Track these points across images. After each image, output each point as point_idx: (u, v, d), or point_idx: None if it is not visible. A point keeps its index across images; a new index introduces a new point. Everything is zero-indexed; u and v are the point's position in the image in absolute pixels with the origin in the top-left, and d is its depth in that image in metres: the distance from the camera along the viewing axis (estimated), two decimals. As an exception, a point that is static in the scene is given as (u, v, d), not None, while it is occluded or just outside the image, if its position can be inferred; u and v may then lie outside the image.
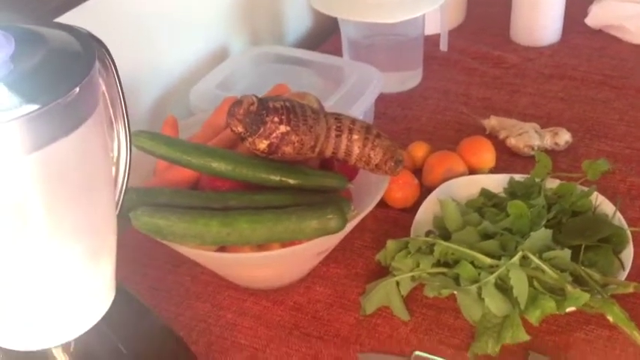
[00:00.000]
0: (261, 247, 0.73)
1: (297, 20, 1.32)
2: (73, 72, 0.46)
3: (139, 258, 0.86)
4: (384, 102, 1.08)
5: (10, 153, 0.44)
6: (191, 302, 0.81)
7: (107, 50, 0.53)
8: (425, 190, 0.91)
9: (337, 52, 1.18)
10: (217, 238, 0.69)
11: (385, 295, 0.78)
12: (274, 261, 0.74)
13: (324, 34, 1.31)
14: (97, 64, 0.49)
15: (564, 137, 0.99)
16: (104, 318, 0.57)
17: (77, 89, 0.45)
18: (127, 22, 0.96)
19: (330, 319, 0.78)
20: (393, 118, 1.08)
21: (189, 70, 1.09)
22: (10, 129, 0.43)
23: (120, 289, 0.59)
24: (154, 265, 0.86)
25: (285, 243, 0.72)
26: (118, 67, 0.54)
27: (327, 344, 0.75)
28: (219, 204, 0.72)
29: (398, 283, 0.77)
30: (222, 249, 0.74)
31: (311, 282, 0.82)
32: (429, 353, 0.73)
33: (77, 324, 0.56)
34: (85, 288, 0.54)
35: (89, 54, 0.48)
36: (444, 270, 0.77)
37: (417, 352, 0.74)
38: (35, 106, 0.43)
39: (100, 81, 0.51)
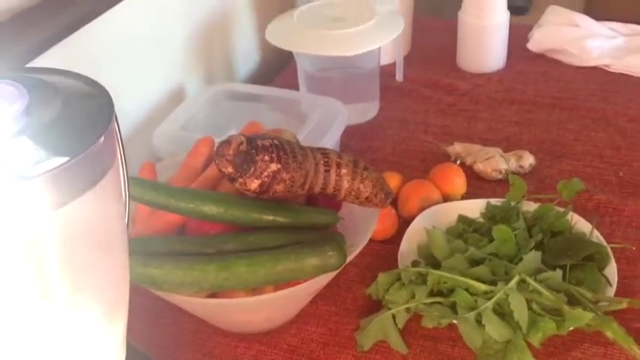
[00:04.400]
0: (255, 290, 0.71)
1: (246, 56, 1.31)
2: (94, 120, 0.43)
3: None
4: (345, 134, 1.07)
5: (36, 211, 0.41)
6: (181, 354, 0.77)
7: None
8: (402, 221, 0.91)
9: (291, 86, 1.17)
10: (215, 284, 0.67)
11: (381, 329, 0.76)
12: (275, 303, 0.72)
13: (275, 69, 1.30)
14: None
15: (528, 160, 1.01)
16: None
17: (102, 138, 0.43)
18: (83, 67, 0.92)
19: (327, 358, 0.76)
20: (358, 151, 1.08)
21: (147, 113, 1.05)
22: (35, 186, 0.40)
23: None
24: (136, 317, 0.81)
25: (280, 285, 0.70)
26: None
27: (329, 385, 0.74)
28: (213, 248, 0.69)
29: (394, 316, 0.76)
30: (212, 295, 0.71)
31: (302, 322, 0.80)
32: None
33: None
34: (101, 349, 0.50)
35: (106, 100, 0.45)
36: (440, 299, 0.76)
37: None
38: (62, 159, 0.40)
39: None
